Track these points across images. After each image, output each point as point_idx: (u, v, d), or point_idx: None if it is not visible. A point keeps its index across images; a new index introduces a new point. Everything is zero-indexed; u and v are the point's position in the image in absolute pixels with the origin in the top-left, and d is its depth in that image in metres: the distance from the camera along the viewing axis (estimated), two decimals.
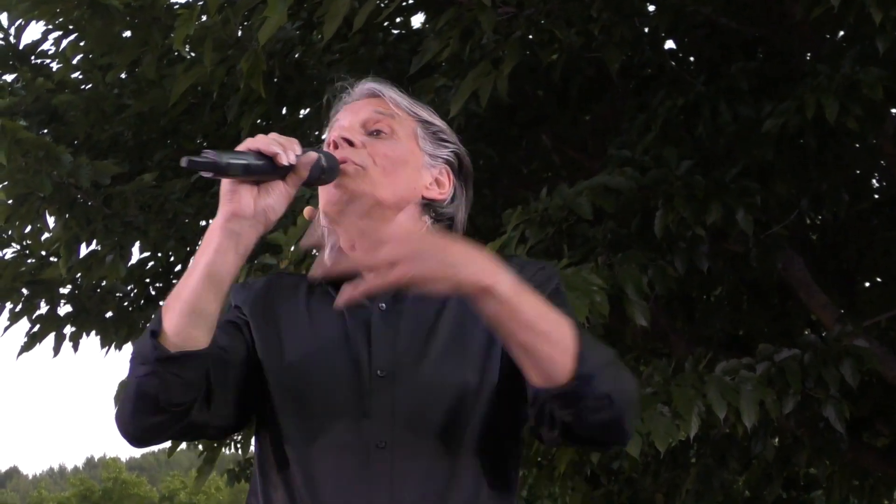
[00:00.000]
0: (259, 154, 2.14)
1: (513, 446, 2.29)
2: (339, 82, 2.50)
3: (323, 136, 2.47)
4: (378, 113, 2.39)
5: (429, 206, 2.40)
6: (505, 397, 2.24)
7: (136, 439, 2.19)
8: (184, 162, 2.09)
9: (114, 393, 6.35)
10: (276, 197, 2.18)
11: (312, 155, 2.22)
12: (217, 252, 2.14)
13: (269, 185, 2.18)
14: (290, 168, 2.18)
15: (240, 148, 2.15)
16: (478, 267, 1.97)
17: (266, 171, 2.16)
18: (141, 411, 2.15)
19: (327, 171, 2.27)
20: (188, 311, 2.12)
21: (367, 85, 2.45)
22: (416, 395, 2.20)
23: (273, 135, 2.19)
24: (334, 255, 2.40)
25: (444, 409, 2.19)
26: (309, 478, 2.18)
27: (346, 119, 2.41)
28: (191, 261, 2.28)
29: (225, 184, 2.15)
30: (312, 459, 2.19)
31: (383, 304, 2.30)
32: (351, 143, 2.34)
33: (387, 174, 2.33)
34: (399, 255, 1.93)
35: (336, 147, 2.34)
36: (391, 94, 2.44)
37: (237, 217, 2.15)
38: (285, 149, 2.16)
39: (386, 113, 2.40)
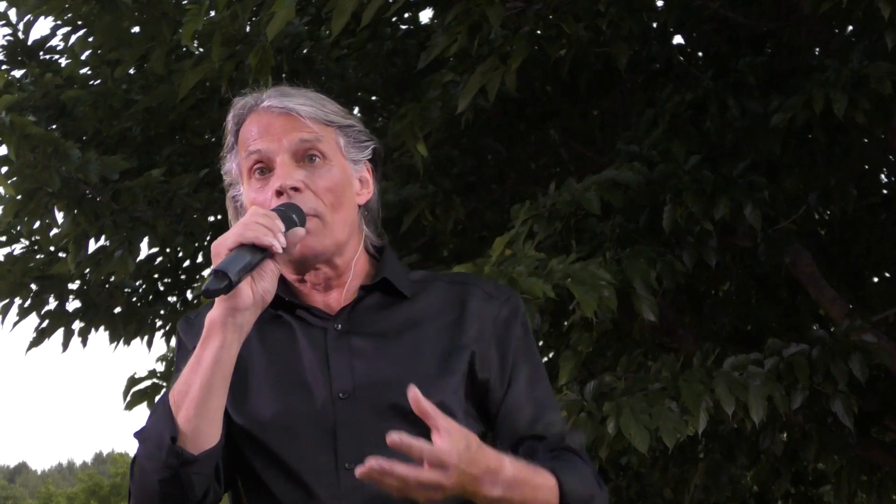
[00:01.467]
0: (253, 247, 2.13)
1: None
2: (238, 98, 2.42)
3: (248, 148, 2.35)
4: (304, 142, 2.31)
5: (362, 210, 2.40)
6: (468, 413, 2.30)
7: None
8: (204, 293, 2.09)
9: (122, 388, 6.38)
10: (269, 278, 2.18)
11: (300, 231, 2.22)
12: (222, 348, 2.15)
13: (261, 269, 2.17)
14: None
15: (231, 241, 2.13)
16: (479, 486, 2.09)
17: (262, 261, 2.16)
18: None
19: (301, 231, 2.26)
20: (201, 409, 2.15)
21: (278, 102, 2.35)
22: (377, 414, 2.23)
23: (257, 219, 2.16)
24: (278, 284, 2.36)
25: (405, 427, 2.17)
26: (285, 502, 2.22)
27: (264, 143, 2.31)
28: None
29: None
30: (288, 486, 2.22)
31: (339, 325, 2.31)
32: (297, 190, 2.28)
33: (336, 209, 2.31)
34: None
35: (280, 195, 2.28)
36: (307, 109, 2.35)
37: (239, 311, 2.15)
38: (275, 234, 2.15)
39: (311, 139, 2.32)
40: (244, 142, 2.35)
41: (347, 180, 2.35)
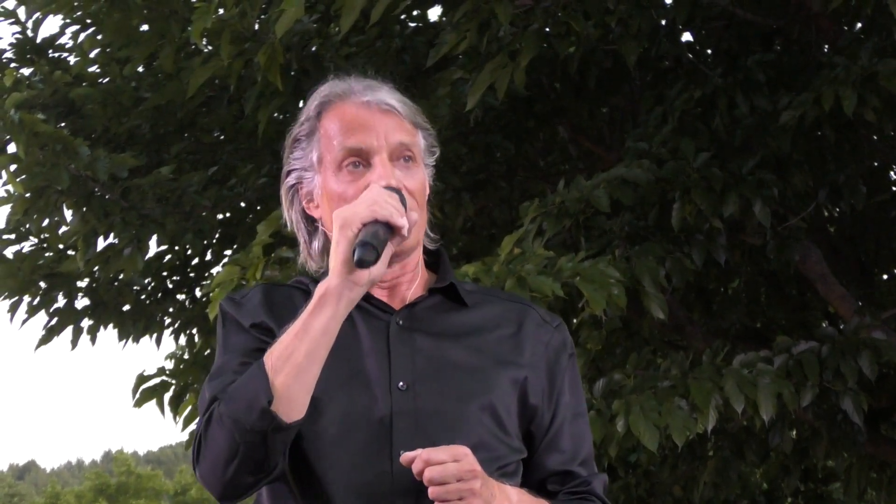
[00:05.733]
0: (386, 225, 2.17)
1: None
2: (324, 85, 2.43)
3: (312, 134, 2.39)
4: (403, 145, 2.33)
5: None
6: (513, 415, 2.34)
7: (230, 498, 2.22)
8: (359, 263, 2.14)
9: (131, 386, 6.38)
10: (384, 260, 2.20)
11: (413, 216, 2.27)
12: (333, 319, 2.17)
13: None
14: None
15: (366, 216, 2.16)
16: None
17: (390, 240, 2.20)
18: (243, 473, 2.17)
19: (415, 215, 2.31)
20: (300, 377, 2.16)
21: (377, 98, 2.36)
22: (435, 408, 2.26)
23: (386, 198, 2.20)
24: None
25: (460, 422, 2.26)
26: (336, 489, 2.22)
27: (365, 138, 2.32)
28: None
29: (349, 252, 2.15)
30: (340, 472, 2.23)
31: (400, 321, 2.34)
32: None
33: (421, 210, 2.36)
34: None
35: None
36: (404, 108, 2.38)
37: (357, 286, 2.17)
38: (402, 216, 2.19)
39: (409, 143, 2.35)
40: (335, 133, 2.35)
41: (426, 182, 2.40)
